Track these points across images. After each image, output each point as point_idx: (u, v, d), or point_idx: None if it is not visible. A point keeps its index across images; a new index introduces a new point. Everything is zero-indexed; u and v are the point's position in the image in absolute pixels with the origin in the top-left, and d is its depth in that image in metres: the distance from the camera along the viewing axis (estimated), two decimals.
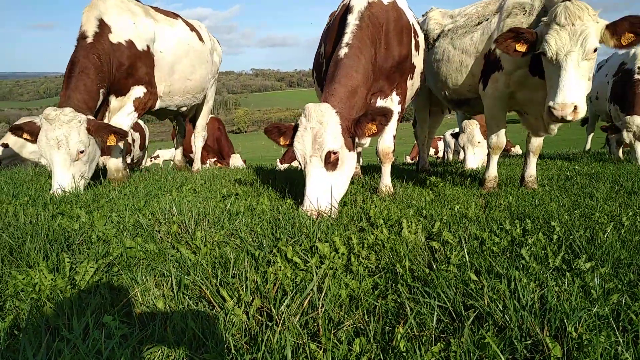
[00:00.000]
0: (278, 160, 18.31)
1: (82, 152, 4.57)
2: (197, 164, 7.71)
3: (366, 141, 4.45)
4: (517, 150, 15.86)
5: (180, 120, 7.99)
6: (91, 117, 4.70)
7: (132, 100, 5.44)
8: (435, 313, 1.78)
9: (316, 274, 2.11)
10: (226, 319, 1.77)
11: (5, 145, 12.51)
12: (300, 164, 3.87)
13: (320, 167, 3.70)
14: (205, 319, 1.76)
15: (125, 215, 3.42)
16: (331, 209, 3.64)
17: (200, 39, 6.75)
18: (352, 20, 4.20)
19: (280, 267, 2.36)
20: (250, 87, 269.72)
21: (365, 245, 2.77)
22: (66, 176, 4.48)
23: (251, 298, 1.97)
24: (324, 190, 3.70)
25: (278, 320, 1.79)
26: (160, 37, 5.82)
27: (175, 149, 8.22)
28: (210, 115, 13.42)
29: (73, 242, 2.80)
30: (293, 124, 4.01)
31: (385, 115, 3.73)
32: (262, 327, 1.77)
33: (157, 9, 6.25)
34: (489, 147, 5.22)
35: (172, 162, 8.29)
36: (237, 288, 2.05)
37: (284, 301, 1.93)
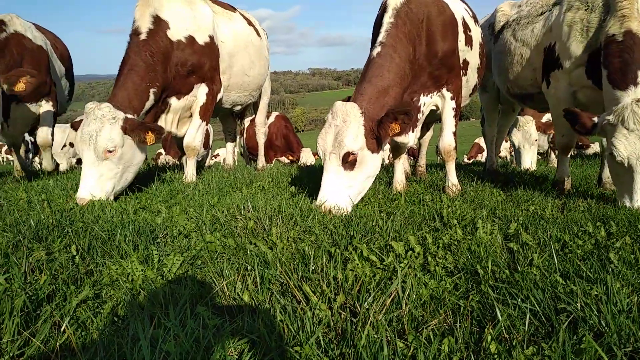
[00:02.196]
0: None
1: (110, 151, 4.08)
2: (261, 161, 7.60)
3: (410, 140, 4.34)
4: (595, 147, 14.82)
5: (231, 120, 7.72)
6: (130, 117, 4.27)
7: (197, 112, 5.29)
8: (528, 316, 1.73)
9: (400, 271, 2.10)
10: (312, 313, 1.80)
11: (72, 145, 13.31)
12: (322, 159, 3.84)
13: (337, 165, 3.67)
14: (293, 312, 1.80)
15: (202, 210, 3.56)
16: (334, 207, 3.58)
17: (258, 33, 6.59)
18: (387, 18, 4.10)
19: (357, 264, 2.38)
20: (308, 87, 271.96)
21: (441, 245, 2.73)
22: (92, 176, 4.05)
23: (334, 294, 1.99)
24: (338, 189, 3.67)
25: (362, 317, 1.80)
26: (220, 27, 5.60)
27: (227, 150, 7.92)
28: (276, 114, 13.64)
29: (157, 235, 2.94)
30: None
31: (407, 113, 3.62)
32: (346, 323, 1.79)
33: (214, 1, 6.02)
34: (557, 148, 5.00)
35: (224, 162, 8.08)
36: (320, 284, 2.08)
37: (366, 298, 1.94)
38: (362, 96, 3.77)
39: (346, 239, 2.83)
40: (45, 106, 6.37)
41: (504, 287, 2.07)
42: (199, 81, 5.22)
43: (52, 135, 6.57)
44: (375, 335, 1.62)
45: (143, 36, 4.70)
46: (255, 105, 7.49)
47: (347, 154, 3.63)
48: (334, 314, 1.84)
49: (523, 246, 2.74)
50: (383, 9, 4.28)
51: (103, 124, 4.06)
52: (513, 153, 13.55)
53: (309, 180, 5.50)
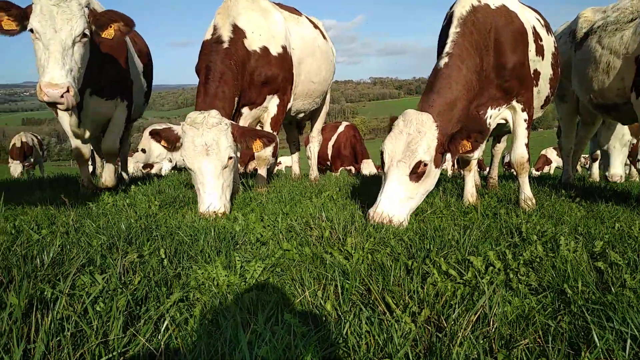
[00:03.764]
0: None
1: (231, 158, 4.06)
2: (314, 172, 7.21)
3: (476, 154, 4.18)
4: None
5: (295, 130, 7.53)
6: (234, 123, 4.29)
7: (268, 123, 5.27)
8: (628, 342, 1.65)
9: (487, 288, 2.06)
10: (397, 326, 1.80)
11: (144, 151, 14.03)
12: (383, 166, 3.72)
13: (404, 174, 3.57)
14: (378, 324, 1.82)
15: (276, 218, 3.65)
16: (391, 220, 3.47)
17: (324, 37, 6.41)
18: (453, 28, 3.99)
19: (437, 279, 2.36)
20: (368, 96, 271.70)
21: (522, 261, 2.65)
22: (217, 187, 3.98)
23: (419, 307, 1.99)
24: (400, 199, 3.58)
25: (449, 332, 1.79)
26: (291, 34, 5.45)
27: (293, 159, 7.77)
28: (346, 123, 13.72)
29: (237, 241, 3.05)
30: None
31: (481, 132, 3.56)
32: (431, 338, 1.78)
33: (280, 5, 5.87)
34: None
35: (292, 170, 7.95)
36: (403, 296, 2.08)
37: (451, 313, 1.92)
38: (431, 108, 3.70)
39: (422, 252, 2.81)
40: (120, 107, 5.43)
41: (596, 309, 1.98)
42: (271, 92, 5.20)
43: (121, 142, 5.69)
44: (466, 352, 1.60)
45: (226, 44, 4.69)
46: (314, 114, 7.13)
47: (419, 164, 3.56)
48: (418, 328, 1.84)
49: (611, 266, 2.61)
50: (448, 19, 4.21)
51: (220, 131, 3.99)
52: (588, 164, 12.77)
53: (377, 190, 5.49)
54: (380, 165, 3.79)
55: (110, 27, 4.16)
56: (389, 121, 3.93)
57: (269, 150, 5.30)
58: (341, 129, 13.14)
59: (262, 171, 5.42)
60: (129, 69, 5.48)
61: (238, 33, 4.83)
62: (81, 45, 4.00)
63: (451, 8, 4.27)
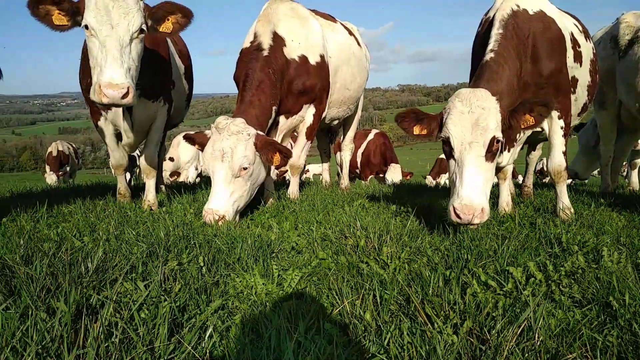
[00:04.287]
0: (428, 176, 18.02)
1: (245, 168, 4.04)
2: (345, 180, 7.10)
3: (501, 158, 4.03)
4: None
5: (324, 135, 7.42)
6: (261, 133, 4.26)
7: (304, 132, 5.23)
8: None
9: (532, 300, 2.02)
10: (440, 337, 1.78)
11: (172, 159, 14.27)
12: (453, 151, 3.40)
13: (481, 155, 3.29)
14: (421, 336, 1.80)
15: (310, 227, 3.66)
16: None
17: (358, 43, 6.31)
18: (496, 30, 3.90)
19: (477, 290, 2.33)
20: (397, 103, 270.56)
21: (563, 273, 2.59)
22: (224, 193, 3.98)
23: (460, 319, 1.96)
24: (482, 184, 3.27)
25: (493, 345, 1.76)
26: (327, 42, 5.38)
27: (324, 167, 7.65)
28: (375, 131, 13.65)
29: (273, 250, 3.07)
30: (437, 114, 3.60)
31: (546, 105, 3.33)
32: (475, 351, 1.76)
33: (315, 12, 5.77)
34: None
35: (321, 178, 7.89)
36: (443, 307, 2.06)
37: (494, 325, 1.89)
38: (488, 84, 3.54)
39: (460, 262, 2.77)
40: (160, 111, 4.98)
41: None
42: (308, 102, 5.15)
43: (162, 155, 5.35)
44: None
45: (266, 52, 4.64)
46: (347, 121, 7.04)
47: (493, 140, 3.28)
48: (460, 340, 1.81)
49: None
50: (488, 23, 4.16)
51: (239, 140, 4.00)
52: (626, 171, 12.29)
53: (409, 198, 5.46)
54: (447, 155, 3.50)
55: (168, 19, 3.88)
56: (396, 117, 3.76)
57: (302, 160, 5.31)
58: (371, 136, 13.11)
59: (295, 180, 5.43)
60: (171, 68, 5.23)
61: (278, 41, 4.79)
62: (138, 41, 3.76)
63: (487, 13, 4.23)
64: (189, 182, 11.46)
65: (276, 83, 4.58)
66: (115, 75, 3.46)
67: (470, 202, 3.15)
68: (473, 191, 3.20)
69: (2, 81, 4.52)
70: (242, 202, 4.18)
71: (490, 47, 3.86)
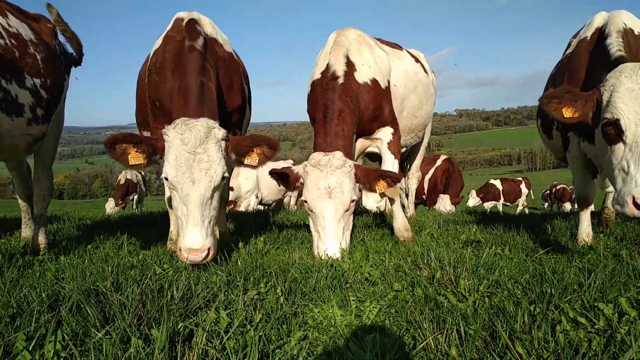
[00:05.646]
0: (473, 191, 17.51)
1: (353, 200, 4.04)
2: (410, 209, 7.04)
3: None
4: None
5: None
6: (358, 163, 4.25)
7: (387, 150, 5.00)
8: None
9: (635, 342, 1.91)
10: None
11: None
12: (624, 135, 2.99)
13: None
14: None
15: (381, 257, 3.64)
16: None
17: (425, 70, 6.30)
18: (613, 39, 3.68)
19: (567, 327, 2.22)
20: (454, 128, 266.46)
21: None
22: (338, 231, 3.95)
23: (555, 359, 1.88)
24: None
25: None
26: (393, 70, 5.33)
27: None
28: (444, 157, 13.39)
29: (347, 280, 3.07)
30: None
31: None
32: None
33: (381, 41, 5.83)
34: None
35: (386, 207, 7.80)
36: (534, 345, 1.98)
37: None
38: None
39: (545, 296, 2.66)
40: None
41: None
42: (379, 126, 5.01)
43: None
44: None
45: (341, 80, 4.59)
46: (414, 149, 6.97)
47: None
48: None
49: None
50: (598, 35, 4.02)
51: (344, 174, 3.97)
52: None
53: (478, 228, 5.32)
54: (611, 139, 3.12)
55: (253, 151, 3.70)
56: (543, 96, 3.43)
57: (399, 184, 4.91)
58: (439, 162, 12.87)
59: (397, 204, 4.98)
60: (245, 95, 4.93)
61: (350, 66, 4.76)
62: (219, 188, 3.55)
63: (579, 34, 4.18)
64: (252, 210, 11.68)
65: (354, 110, 4.54)
66: (196, 240, 3.28)
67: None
68: None
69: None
70: (348, 235, 4.14)
71: (615, 48, 3.61)
